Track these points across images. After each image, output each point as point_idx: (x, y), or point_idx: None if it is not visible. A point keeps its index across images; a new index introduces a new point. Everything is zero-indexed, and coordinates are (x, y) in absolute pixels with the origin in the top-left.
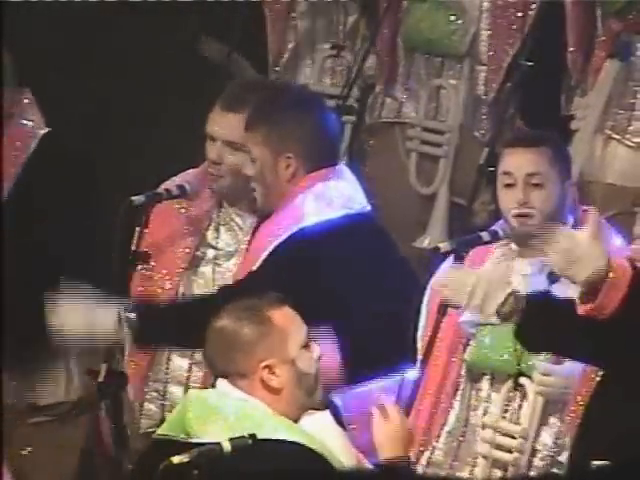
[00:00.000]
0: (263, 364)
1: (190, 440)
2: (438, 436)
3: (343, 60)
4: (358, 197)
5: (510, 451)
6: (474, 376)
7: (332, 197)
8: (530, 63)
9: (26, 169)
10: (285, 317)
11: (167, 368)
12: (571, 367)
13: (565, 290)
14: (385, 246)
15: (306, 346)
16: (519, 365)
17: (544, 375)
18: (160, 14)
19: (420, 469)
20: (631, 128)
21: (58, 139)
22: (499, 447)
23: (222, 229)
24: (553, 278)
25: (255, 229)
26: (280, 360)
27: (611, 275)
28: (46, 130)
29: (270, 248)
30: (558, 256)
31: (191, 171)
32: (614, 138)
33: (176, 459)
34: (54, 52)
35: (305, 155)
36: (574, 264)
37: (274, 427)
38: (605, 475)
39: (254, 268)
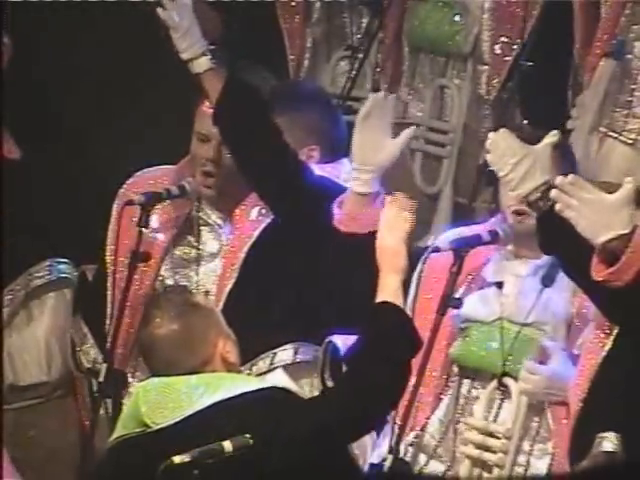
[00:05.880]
0: (220, 344)
1: (148, 431)
2: (428, 419)
3: (358, 62)
4: None
5: (494, 452)
6: (460, 372)
7: (336, 174)
8: (530, 63)
9: None
10: (204, 299)
11: None
12: (556, 368)
13: (559, 293)
14: None
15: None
16: (504, 365)
17: (530, 374)
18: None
19: (404, 447)
20: (629, 126)
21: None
22: (483, 447)
23: (203, 230)
24: (547, 282)
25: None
26: (225, 336)
27: (633, 243)
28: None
29: None
30: (583, 213)
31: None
32: (610, 136)
33: (177, 459)
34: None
35: (326, 148)
36: (597, 224)
37: (243, 381)
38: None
39: None
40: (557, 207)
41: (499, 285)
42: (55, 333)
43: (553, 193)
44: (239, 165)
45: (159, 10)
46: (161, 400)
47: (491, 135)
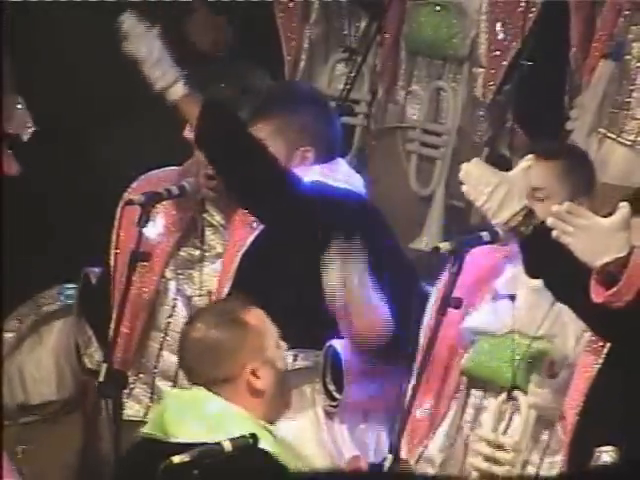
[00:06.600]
0: (249, 368)
1: (168, 440)
2: (433, 434)
3: (356, 64)
4: (356, 183)
5: (502, 464)
6: (469, 383)
7: (333, 175)
8: (530, 63)
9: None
10: (258, 318)
11: (157, 362)
12: (565, 382)
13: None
14: (383, 227)
15: (278, 344)
16: (515, 378)
17: (539, 388)
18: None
19: (411, 462)
20: (627, 127)
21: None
22: (491, 460)
23: (207, 230)
24: None
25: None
26: (262, 362)
27: (631, 264)
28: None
29: None
30: (580, 238)
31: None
32: (609, 137)
33: (177, 459)
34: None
35: (321, 149)
36: (594, 249)
37: (249, 430)
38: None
39: None
40: (554, 234)
41: (512, 297)
42: (63, 353)
43: (549, 221)
44: (227, 186)
45: (125, 44)
46: (184, 415)
47: (464, 166)
